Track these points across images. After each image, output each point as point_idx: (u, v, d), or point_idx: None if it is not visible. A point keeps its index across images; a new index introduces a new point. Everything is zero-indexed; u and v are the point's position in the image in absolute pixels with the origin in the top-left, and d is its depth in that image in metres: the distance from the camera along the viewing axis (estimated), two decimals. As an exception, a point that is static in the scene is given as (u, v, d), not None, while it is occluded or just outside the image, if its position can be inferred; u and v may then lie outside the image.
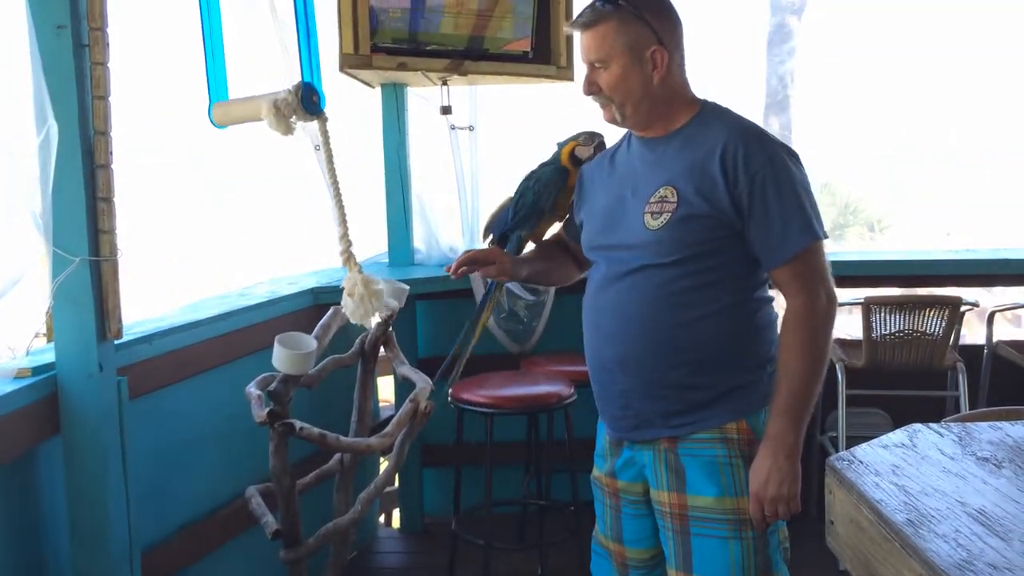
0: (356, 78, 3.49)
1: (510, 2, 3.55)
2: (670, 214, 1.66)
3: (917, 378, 3.50)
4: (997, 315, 3.80)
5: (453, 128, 3.86)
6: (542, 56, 3.65)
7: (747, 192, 1.64)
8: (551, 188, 1.99)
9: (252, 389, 2.06)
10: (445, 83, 3.54)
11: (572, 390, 2.97)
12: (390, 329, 2.50)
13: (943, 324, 3.28)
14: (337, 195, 1.75)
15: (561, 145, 2.03)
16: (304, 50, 1.70)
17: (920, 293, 3.42)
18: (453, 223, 3.91)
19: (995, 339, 3.67)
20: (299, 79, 1.72)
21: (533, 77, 3.68)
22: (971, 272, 3.78)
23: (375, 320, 1.90)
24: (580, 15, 1.74)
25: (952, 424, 1.41)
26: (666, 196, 1.68)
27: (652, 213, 1.69)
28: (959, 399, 3.37)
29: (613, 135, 1.97)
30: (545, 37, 3.63)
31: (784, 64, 13.98)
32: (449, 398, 2.83)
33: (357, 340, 2.57)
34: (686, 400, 1.71)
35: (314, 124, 1.81)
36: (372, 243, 3.98)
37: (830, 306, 1.68)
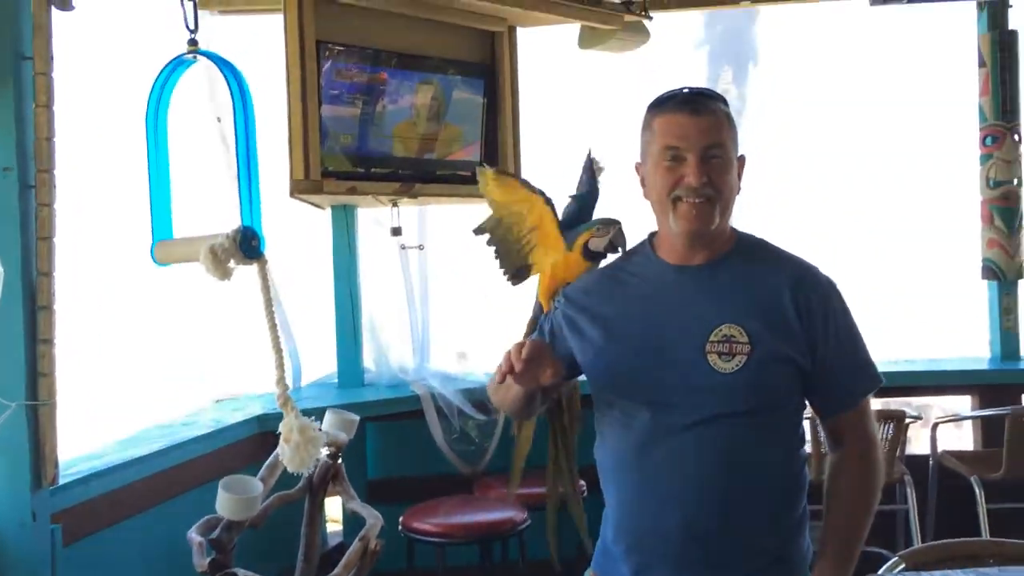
0: (306, 202, 3.52)
1: (458, 126, 3.64)
2: (745, 356, 1.50)
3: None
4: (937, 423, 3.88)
5: (403, 247, 3.89)
6: (490, 178, 3.72)
7: (822, 336, 1.54)
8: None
9: (194, 535, 1.98)
10: (395, 204, 3.58)
11: (525, 514, 2.92)
12: (339, 462, 2.45)
13: (889, 437, 3.33)
14: (275, 338, 1.72)
15: (575, 232, 1.83)
16: (244, 193, 1.68)
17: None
18: (404, 342, 3.90)
19: (939, 449, 3.72)
20: (239, 223, 1.69)
21: (483, 198, 3.74)
22: (912, 383, 3.87)
23: (308, 469, 1.83)
24: (690, 100, 1.56)
25: None
26: (733, 335, 1.51)
27: (720, 354, 1.50)
28: (908, 512, 3.39)
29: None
30: (494, 159, 3.72)
31: None
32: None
33: (305, 474, 2.51)
34: (747, 566, 1.56)
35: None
36: (322, 361, 3.95)
37: (882, 453, 1.65)
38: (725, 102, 1.60)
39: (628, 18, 3.76)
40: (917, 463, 3.66)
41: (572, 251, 1.82)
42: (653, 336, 1.57)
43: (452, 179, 3.63)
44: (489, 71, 3.68)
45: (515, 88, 3.74)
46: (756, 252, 1.63)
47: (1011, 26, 3.92)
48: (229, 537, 1.92)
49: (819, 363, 1.55)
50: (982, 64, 3.95)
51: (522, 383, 1.52)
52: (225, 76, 1.56)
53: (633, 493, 1.59)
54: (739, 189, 1.60)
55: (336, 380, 3.77)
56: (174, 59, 1.59)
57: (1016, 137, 3.92)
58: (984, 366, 4.00)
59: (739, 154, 1.60)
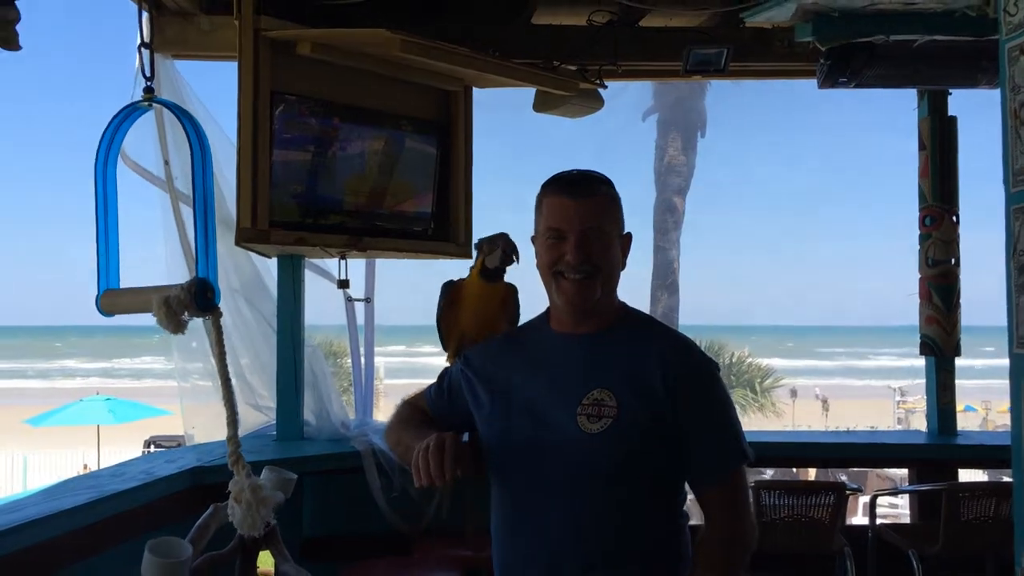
0: (253, 250, 3.46)
1: (408, 180, 3.63)
2: (611, 419, 1.57)
3: (805, 563, 3.52)
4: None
5: (350, 300, 3.84)
6: (441, 233, 3.72)
7: (689, 409, 1.60)
8: (439, 312, 1.91)
9: (117, 597, 1.88)
10: (343, 257, 3.54)
11: (463, 579, 2.85)
12: (273, 522, 2.36)
13: (830, 509, 3.35)
14: (228, 394, 1.66)
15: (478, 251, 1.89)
16: (201, 244, 1.64)
17: (808, 479, 3.50)
18: (346, 396, 3.83)
19: (878, 522, 3.75)
20: (194, 274, 1.65)
21: (432, 254, 3.73)
22: (852, 455, 3.91)
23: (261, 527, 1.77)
24: (573, 184, 1.66)
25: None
26: (603, 399, 1.58)
27: (589, 416, 1.57)
28: (848, 585, 3.40)
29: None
30: (445, 214, 3.72)
31: (672, 249, 14.68)
32: None
33: (237, 534, 2.41)
34: None
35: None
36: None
37: (754, 533, 1.66)
38: (610, 184, 1.71)
39: (583, 85, 3.83)
40: (855, 534, 3.68)
41: (471, 279, 1.87)
42: (531, 399, 1.65)
43: (402, 233, 3.61)
44: (443, 128, 3.70)
45: (469, 146, 3.76)
46: (639, 327, 1.73)
47: (951, 112, 4.07)
48: (154, 600, 1.82)
49: (687, 435, 1.61)
50: (922, 147, 4.09)
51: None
52: (183, 125, 1.52)
53: (507, 553, 1.67)
54: (623, 265, 1.71)
55: (274, 432, 3.67)
56: (128, 106, 1.55)
57: (954, 218, 4.05)
58: (922, 440, 4.07)
59: (624, 231, 1.71)
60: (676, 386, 1.60)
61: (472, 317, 1.88)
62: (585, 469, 1.57)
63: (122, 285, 1.80)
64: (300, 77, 3.29)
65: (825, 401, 24.80)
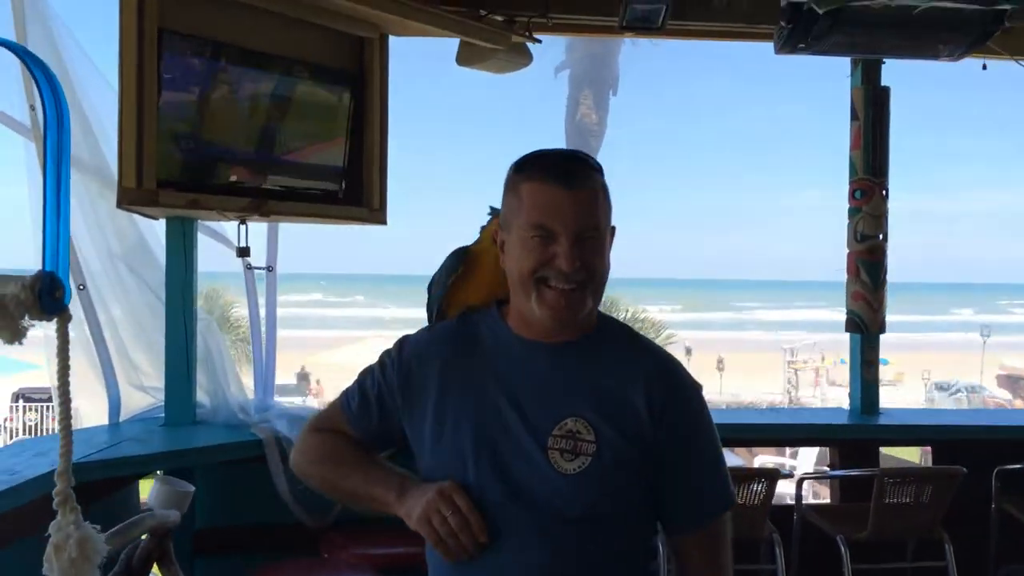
0: (137, 212, 3.04)
1: (303, 128, 3.26)
2: (589, 457, 1.31)
3: (735, 548, 3.40)
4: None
5: (250, 268, 3.47)
6: (353, 197, 3.38)
7: (672, 441, 1.35)
8: (446, 281, 1.53)
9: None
10: (243, 222, 3.16)
11: (379, 583, 2.59)
12: (168, 540, 2.03)
13: (762, 495, 3.23)
14: (65, 417, 1.29)
15: (491, 215, 1.53)
16: (51, 225, 1.23)
17: (743, 466, 3.36)
18: (244, 374, 3.47)
19: (803, 503, 3.67)
20: (40, 268, 1.24)
21: (342, 219, 3.39)
22: (775, 435, 3.81)
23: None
24: (565, 171, 1.34)
25: None
26: (578, 431, 1.32)
27: (562, 452, 1.31)
28: (776, 573, 3.30)
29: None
30: (357, 177, 3.38)
31: None
32: None
33: (123, 554, 2.07)
34: None
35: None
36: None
37: None
38: (601, 169, 1.39)
39: (514, 38, 3.52)
40: (782, 515, 3.57)
41: (486, 244, 1.50)
42: (490, 424, 1.35)
43: (309, 196, 3.26)
44: (356, 78, 3.34)
45: (384, 100, 3.43)
46: (618, 340, 1.44)
47: (884, 82, 3.95)
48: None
49: (665, 474, 1.36)
50: (855, 117, 3.96)
51: None
52: (35, 77, 1.15)
53: None
54: (609, 266, 1.39)
55: (162, 415, 3.29)
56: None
57: (883, 192, 3.95)
58: (844, 419, 4.01)
59: (612, 228, 1.40)
60: (662, 415, 1.35)
61: (487, 286, 1.52)
62: (555, 513, 1.31)
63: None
64: (190, 13, 2.87)
65: (720, 360, 25.48)
